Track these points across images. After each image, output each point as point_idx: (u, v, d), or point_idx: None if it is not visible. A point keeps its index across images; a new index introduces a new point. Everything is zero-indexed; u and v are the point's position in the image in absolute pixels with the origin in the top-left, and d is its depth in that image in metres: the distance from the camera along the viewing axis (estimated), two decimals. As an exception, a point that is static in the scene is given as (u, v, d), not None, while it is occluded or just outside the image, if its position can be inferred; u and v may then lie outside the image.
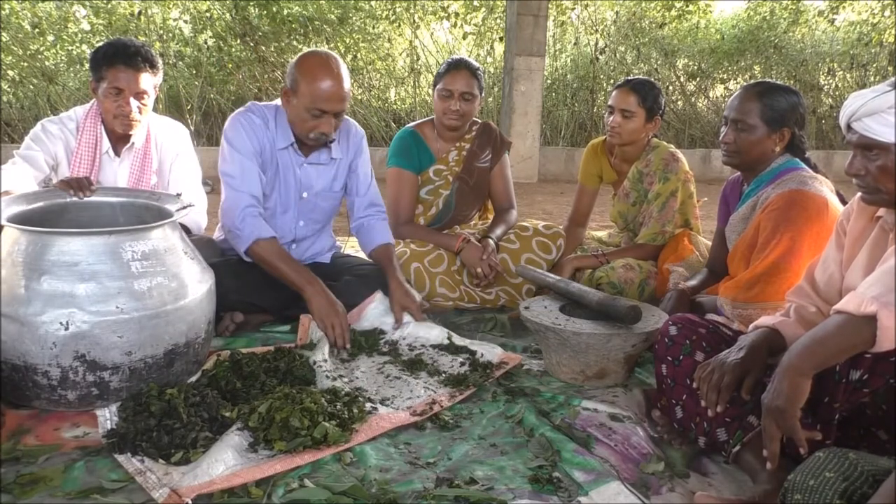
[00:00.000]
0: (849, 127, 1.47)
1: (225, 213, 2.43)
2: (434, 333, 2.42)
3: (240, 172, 2.40)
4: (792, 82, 9.05)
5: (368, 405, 1.89)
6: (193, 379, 1.99)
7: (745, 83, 2.69)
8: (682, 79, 9.45)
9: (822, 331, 1.39)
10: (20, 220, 1.91)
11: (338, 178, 2.64)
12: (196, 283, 1.97)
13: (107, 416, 1.79)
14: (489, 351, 2.30)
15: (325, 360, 2.13)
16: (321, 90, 2.30)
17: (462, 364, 2.22)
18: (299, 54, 2.42)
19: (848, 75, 9.62)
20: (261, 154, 2.45)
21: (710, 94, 9.66)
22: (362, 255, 2.87)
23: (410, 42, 8.68)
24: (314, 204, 2.63)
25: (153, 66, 2.52)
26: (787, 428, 1.38)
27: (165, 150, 2.69)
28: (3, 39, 7.17)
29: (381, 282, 2.63)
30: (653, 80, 3.06)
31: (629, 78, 2.93)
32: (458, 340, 2.39)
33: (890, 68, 9.31)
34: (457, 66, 2.92)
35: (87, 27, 7.83)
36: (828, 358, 1.39)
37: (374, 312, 2.51)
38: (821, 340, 1.38)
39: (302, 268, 2.40)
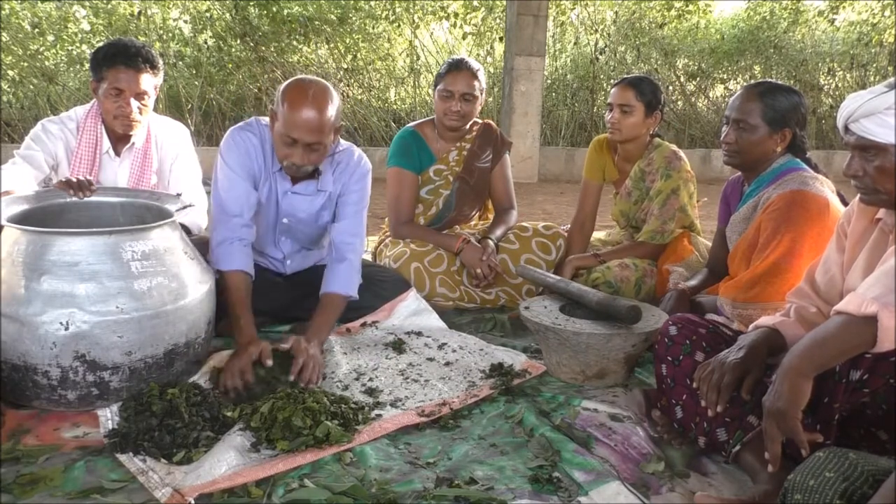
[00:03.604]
0: (846, 128, 1.46)
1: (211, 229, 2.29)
2: (471, 342, 2.43)
3: (227, 190, 2.28)
4: (792, 82, 9.04)
5: (374, 413, 1.89)
6: (194, 378, 1.99)
7: (745, 83, 2.69)
8: (682, 79, 9.44)
9: (823, 332, 1.39)
10: (20, 220, 1.91)
11: (326, 209, 2.46)
12: (196, 283, 1.97)
13: (108, 416, 1.79)
14: (513, 358, 2.30)
15: (334, 373, 2.14)
16: (294, 118, 2.14)
17: (483, 370, 2.21)
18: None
19: (848, 75, 9.61)
20: (254, 175, 2.32)
21: (710, 94, 9.65)
22: (363, 256, 2.85)
23: (410, 42, 8.68)
24: (297, 229, 2.51)
25: (154, 67, 2.52)
26: (789, 430, 1.38)
27: (166, 150, 2.69)
28: (3, 39, 7.16)
29: (386, 283, 2.62)
30: (651, 76, 3.06)
31: (626, 76, 2.92)
32: (487, 347, 2.38)
33: (890, 68, 9.31)
34: (458, 67, 2.92)
35: (87, 27, 7.83)
36: (829, 359, 1.39)
37: (406, 310, 2.49)
38: (821, 342, 1.38)
39: (250, 327, 2.14)
